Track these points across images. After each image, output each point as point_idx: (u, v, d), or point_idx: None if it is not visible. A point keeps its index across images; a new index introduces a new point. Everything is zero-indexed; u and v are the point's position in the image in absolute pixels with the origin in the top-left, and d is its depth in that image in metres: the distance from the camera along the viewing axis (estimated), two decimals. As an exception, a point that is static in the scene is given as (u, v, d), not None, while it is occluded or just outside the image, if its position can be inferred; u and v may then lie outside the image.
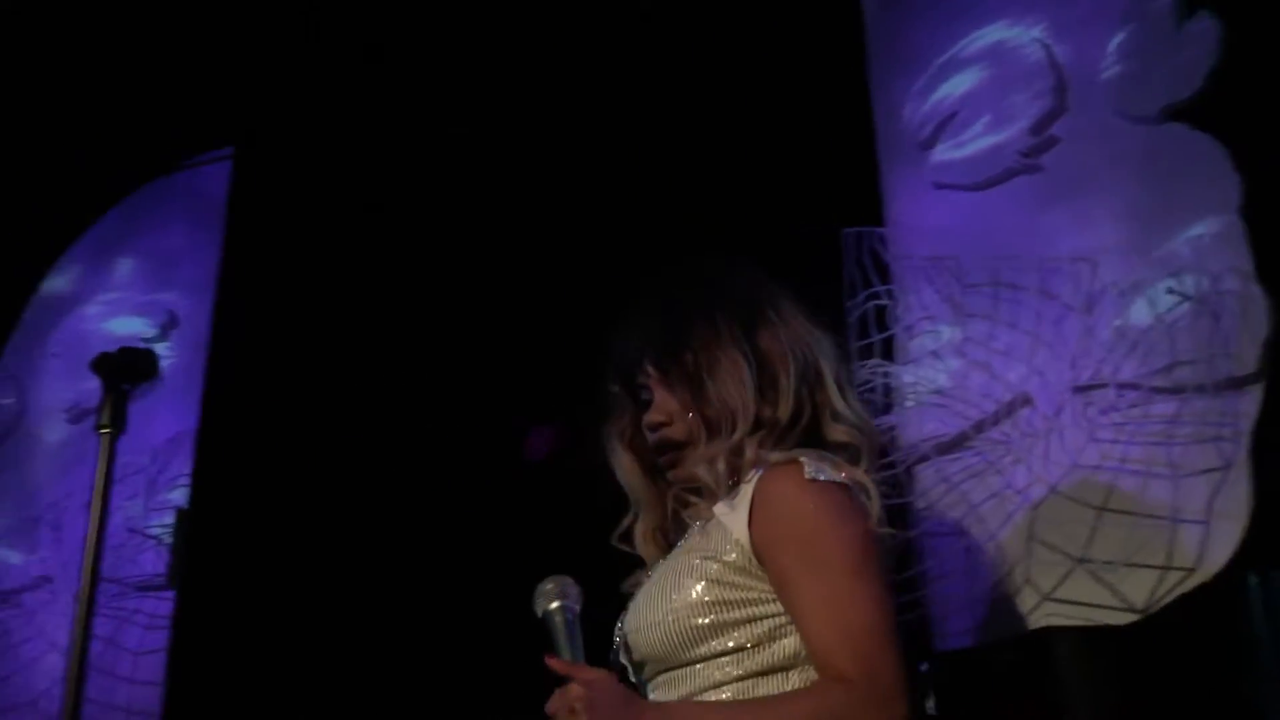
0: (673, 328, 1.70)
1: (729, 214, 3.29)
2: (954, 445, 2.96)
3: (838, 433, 1.68)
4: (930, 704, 3.85)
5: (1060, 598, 2.66)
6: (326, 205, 3.99)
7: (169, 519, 3.67)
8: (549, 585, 1.59)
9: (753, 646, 1.57)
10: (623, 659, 1.72)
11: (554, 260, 3.62)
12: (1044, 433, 2.78)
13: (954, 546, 2.87)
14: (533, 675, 1.56)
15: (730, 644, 1.57)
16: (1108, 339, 2.71)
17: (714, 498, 1.66)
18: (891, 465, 3.01)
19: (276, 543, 3.62)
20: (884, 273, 3.16)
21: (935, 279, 3.10)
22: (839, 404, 1.68)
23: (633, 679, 1.72)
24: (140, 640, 3.61)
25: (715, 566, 1.58)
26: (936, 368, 3.02)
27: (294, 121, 4.10)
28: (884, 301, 3.13)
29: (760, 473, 1.61)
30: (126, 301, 4.09)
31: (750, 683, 1.56)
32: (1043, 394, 2.79)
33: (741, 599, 1.57)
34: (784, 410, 1.64)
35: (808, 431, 1.67)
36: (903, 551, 2.79)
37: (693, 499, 1.72)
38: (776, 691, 1.55)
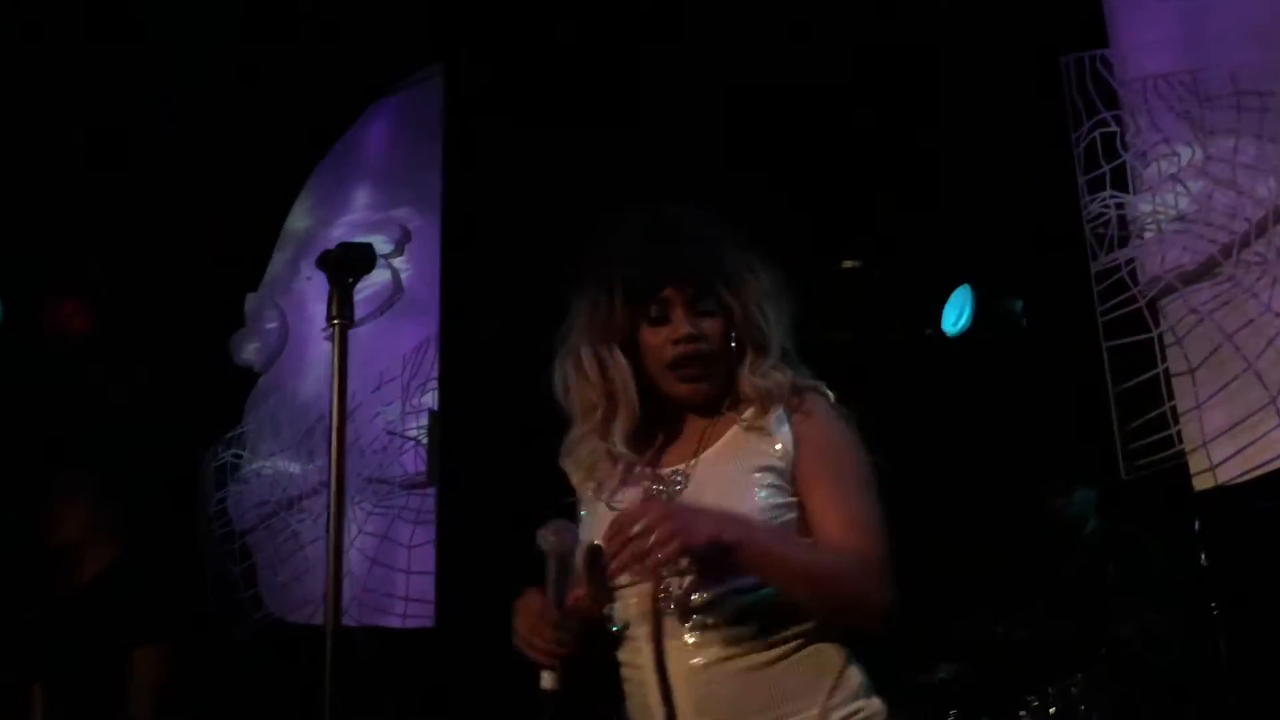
0: (717, 259, 1.80)
1: (942, 47, 3.15)
2: (1202, 273, 2.77)
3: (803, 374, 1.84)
4: (1201, 556, 3.70)
5: (1332, 423, 2.48)
6: (538, 109, 4.07)
7: (424, 420, 3.91)
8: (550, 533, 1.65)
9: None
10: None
11: (764, 151, 3.59)
12: (1304, 248, 2.56)
13: (1208, 378, 2.70)
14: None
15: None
16: (1372, 136, 2.45)
17: (733, 406, 1.78)
18: (1132, 300, 2.86)
19: (523, 434, 3.79)
20: (1110, 98, 2.96)
21: (1169, 97, 2.88)
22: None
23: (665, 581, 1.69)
24: (411, 534, 3.88)
25: (771, 475, 1.71)
26: (1177, 192, 2.82)
27: (499, 31, 4.17)
28: (1112, 128, 2.93)
29: (793, 399, 1.77)
30: (363, 222, 4.30)
31: None
32: (1299, 206, 2.56)
33: (789, 503, 1.71)
34: (786, 343, 1.81)
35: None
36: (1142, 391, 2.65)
37: (689, 412, 1.82)
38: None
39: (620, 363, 1.78)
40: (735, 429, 1.76)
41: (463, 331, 3.96)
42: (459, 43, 4.23)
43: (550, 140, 3.99)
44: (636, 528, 1.54)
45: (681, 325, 1.75)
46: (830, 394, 1.79)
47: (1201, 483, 2.71)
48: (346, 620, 3.73)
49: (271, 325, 4.45)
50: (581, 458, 1.86)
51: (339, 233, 4.35)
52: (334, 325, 1.74)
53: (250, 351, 4.47)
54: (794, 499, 1.70)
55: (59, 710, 2.93)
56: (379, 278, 4.13)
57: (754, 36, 3.72)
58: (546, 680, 1.62)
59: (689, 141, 3.90)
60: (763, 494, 1.70)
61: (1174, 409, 2.73)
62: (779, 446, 1.72)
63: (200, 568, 4.16)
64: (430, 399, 3.92)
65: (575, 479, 1.89)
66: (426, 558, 3.83)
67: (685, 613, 1.66)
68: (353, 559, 3.86)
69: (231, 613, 4.13)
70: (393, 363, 4.05)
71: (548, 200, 3.98)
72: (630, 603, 1.72)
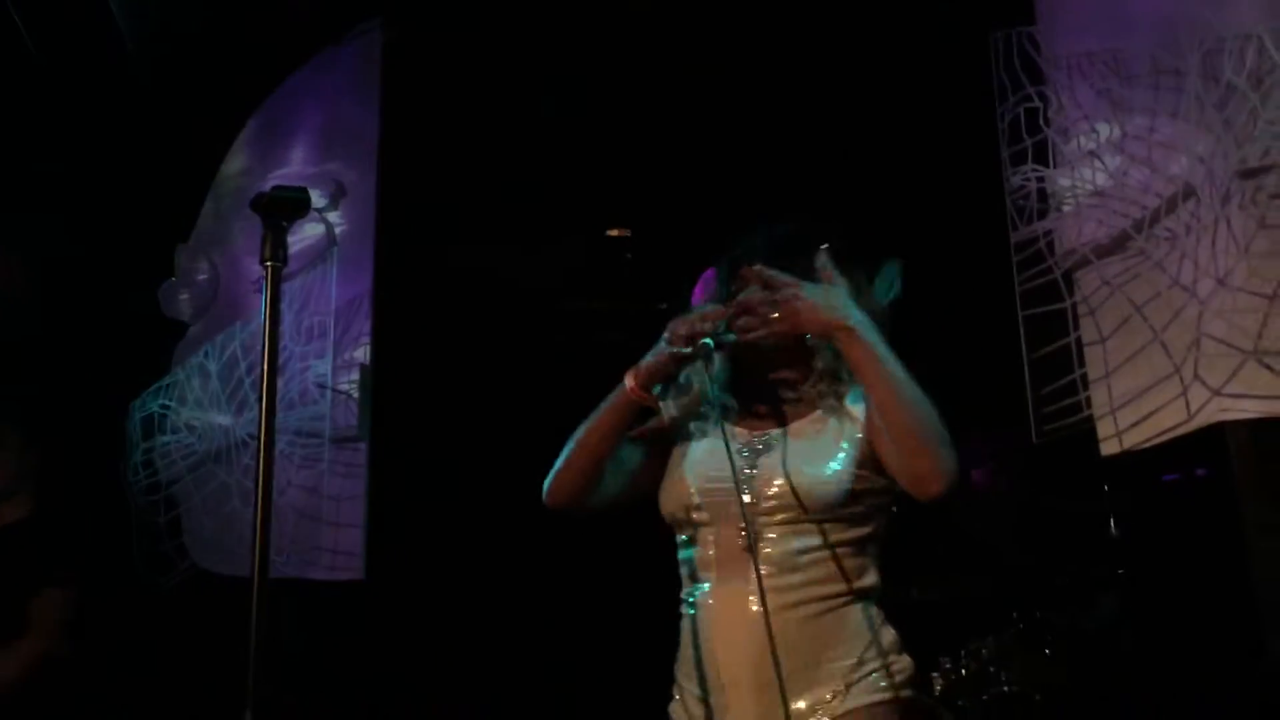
0: (794, 247, 1.98)
1: (873, 17, 3.21)
2: (1115, 247, 2.87)
3: None
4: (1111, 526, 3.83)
5: (1232, 392, 2.59)
6: (476, 65, 4.06)
7: (355, 375, 3.91)
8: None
9: (869, 512, 1.93)
10: (743, 503, 1.90)
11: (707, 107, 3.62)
12: (1210, 224, 2.66)
13: (1117, 348, 2.81)
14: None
15: (860, 508, 1.91)
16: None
17: (815, 384, 1.99)
18: (1049, 271, 2.95)
19: (454, 390, 3.82)
20: (1036, 74, 3.04)
21: (1091, 75, 2.96)
22: None
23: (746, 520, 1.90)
24: (340, 488, 3.88)
25: (851, 447, 1.91)
26: (1095, 167, 2.91)
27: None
28: (1036, 104, 3.02)
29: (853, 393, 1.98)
30: (297, 176, 4.26)
31: (864, 541, 1.93)
32: (1207, 184, 2.66)
33: (866, 476, 1.91)
34: None
35: None
36: (1055, 358, 2.76)
37: (782, 389, 2.02)
38: (876, 552, 1.95)
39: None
40: (816, 414, 1.97)
41: (395, 287, 3.97)
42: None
43: (488, 96, 4.00)
44: (770, 295, 1.86)
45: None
46: None
47: (1108, 448, 2.81)
48: (272, 572, 3.74)
49: (202, 277, 4.41)
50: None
51: (272, 186, 4.29)
52: (267, 267, 1.76)
53: (180, 302, 4.43)
54: (868, 473, 1.90)
55: None
56: (312, 231, 4.11)
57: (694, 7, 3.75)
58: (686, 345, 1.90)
59: (632, 103, 3.92)
60: (845, 465, 1.89)
61: (1084, 376, 2.83)
62: (858, 420, 1.92)
63: (120, 517, 4.12)
64: (362, 354, 3.92)
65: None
66: (354, 511, 3.85)
67: (754, 561, 1.86)
68: (280, 511, 3.87)
69: (157, 562, 4.12)
70: (325, 316, 4.04)
71: (484, 157, 4.00)
72: (705, 547, 1.93)
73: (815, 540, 1.87)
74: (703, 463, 1.96)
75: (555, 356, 3.88)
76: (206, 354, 4.24)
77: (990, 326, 3.07)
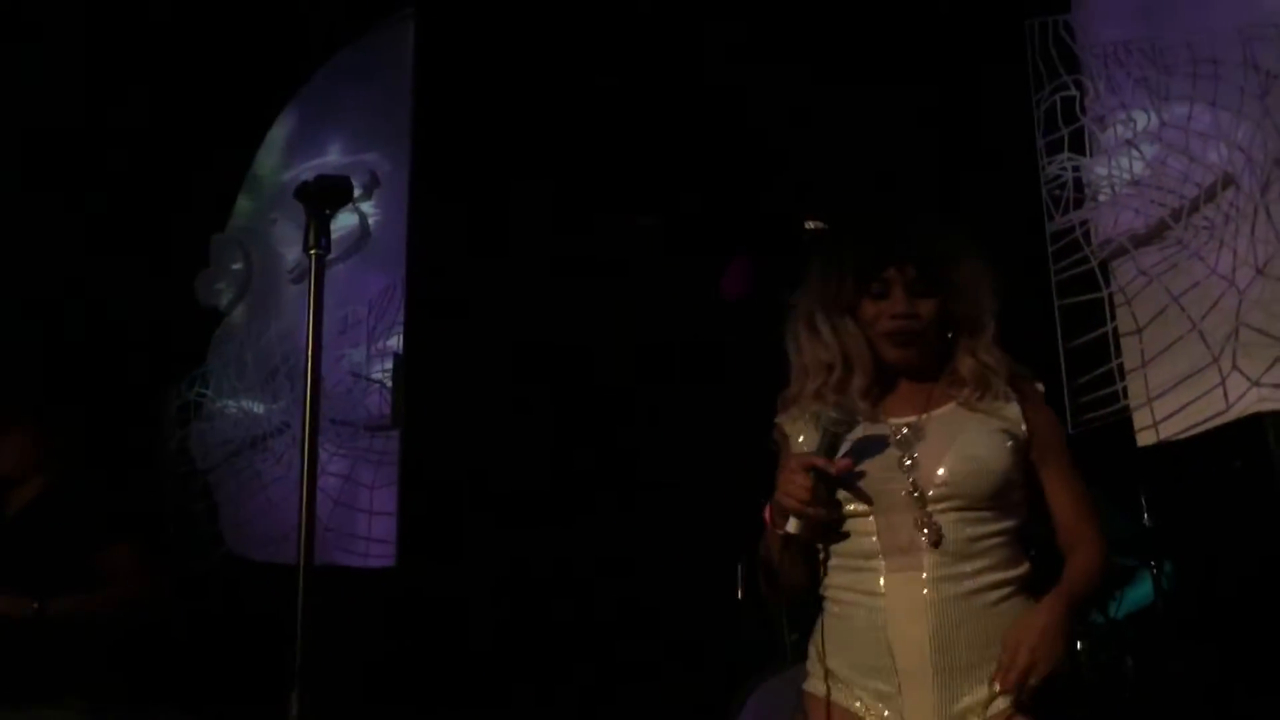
0: (937, 247, 1.98)
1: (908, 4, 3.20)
2: (1152, 236, 2.85)
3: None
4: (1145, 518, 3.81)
5: (1271, 381, 2.58)
6: (509, 53, 4.07)
7: (388, 364, 3.94)
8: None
9: (1019, 502, 1.94)
10: (903, 490, 1.89)
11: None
12: (1249, 213, 2.65)
13: (1154, 338, 2.80)
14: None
15: (1015, 496, 1.92)
16: (1321, 105, 2.53)
17: (952, 382, 1.97)
18: (1085, 261, 2.94)
19: (487, 378, 3.84)
20: (1072, 62, 3.03)
21: (1128, 63, 2.95)
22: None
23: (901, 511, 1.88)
24: (374, 475, 3.92)
25: (1009, 439, 1.91)
26: (1132, 156, 2.90)
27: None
28: (1072, 93, 3.00)
29: (1011, 383, 1.98)
30: (332, 166, 4.28)
31: (1017, 530, 1.93)
32: (1247, 172, 2.65)
33: (1021, 468, 1.93)
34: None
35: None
36: (1091, 348, 2.75)
37: (905, 377, 2.01)
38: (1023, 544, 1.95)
39: (853, 329, 1.98)
40: (954, 405, 1.94)
41: (428, 276, 3.99)
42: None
43: (521, 84, 4.01)
44: (1021, 660, 1.80)
45: (899, 303, 1.95)
46: (1041, 386, 2.02)
47: (1145, 439, 2.81)
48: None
49: (237, 266, 4.45)
50: (810, 410, 1.99)
51: (307, 177, 4.32)
52: (311, 255, 1.79)
53: (216, 292, 4.47)
54: (1021, 470, 1.91)
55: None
56: (347, 222, 4.14)
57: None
58: (792, 526, 1.84)
59: (663, 89, 3.92)
60: (1007, 454, 1.90)
61: (1121, 366, 2.82)
62: (1013, 418, 1.93)
63: (155, 498, 4.15)
64: (395, 343, 3.95)
65: (794, 430, 2.00)
66: (388, 499, 3.88)
67: (929, 550, 1.86)
68: (316, 499, 3.89)
69: (194, 547, 4.16)
70: (358, 306, 4.07)
71: (517, 146, 4.01)
72: (866, 536, 1.90)
73: (984, 528, 1.87)
74: (858, 458, 1.92)
75: (588, 344, 3.89)
76: (242, 343, 4.29)
77: (1025, 316, 3.06)
